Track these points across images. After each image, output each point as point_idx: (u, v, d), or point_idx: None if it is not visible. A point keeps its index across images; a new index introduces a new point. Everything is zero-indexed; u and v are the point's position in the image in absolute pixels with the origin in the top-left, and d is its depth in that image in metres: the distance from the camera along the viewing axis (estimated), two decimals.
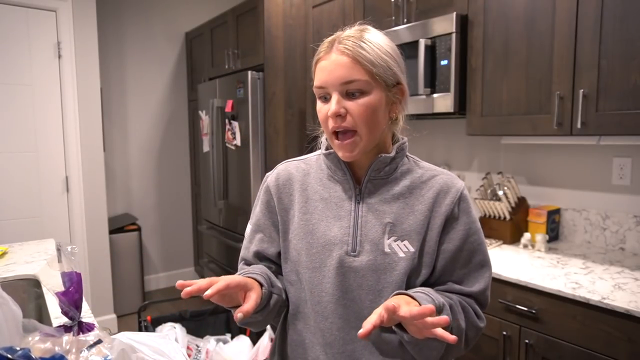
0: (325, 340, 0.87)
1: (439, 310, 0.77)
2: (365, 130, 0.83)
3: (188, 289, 0.71)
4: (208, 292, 0.71)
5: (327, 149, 0.92)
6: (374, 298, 0.85)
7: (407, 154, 0.93)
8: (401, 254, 0.84)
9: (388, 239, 0.85)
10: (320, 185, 0.92)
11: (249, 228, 0.99)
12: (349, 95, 0.82)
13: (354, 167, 0.91)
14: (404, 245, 0.85)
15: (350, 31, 0.85)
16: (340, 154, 0.86)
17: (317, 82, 0.85)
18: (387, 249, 0.85)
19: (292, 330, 0.93)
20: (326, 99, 0.85)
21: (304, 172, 0.95)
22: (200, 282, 0.72)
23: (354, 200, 0.89)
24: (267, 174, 0.99)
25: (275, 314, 0.93)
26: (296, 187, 0.93)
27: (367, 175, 0.88)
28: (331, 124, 0.83)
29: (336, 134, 0.84)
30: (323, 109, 0.85)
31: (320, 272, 0.87)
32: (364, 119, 0.82)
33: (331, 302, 0.86)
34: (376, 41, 0.84)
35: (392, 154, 0.87)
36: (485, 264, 0.89)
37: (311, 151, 1.02)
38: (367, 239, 0.86)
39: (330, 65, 0.82)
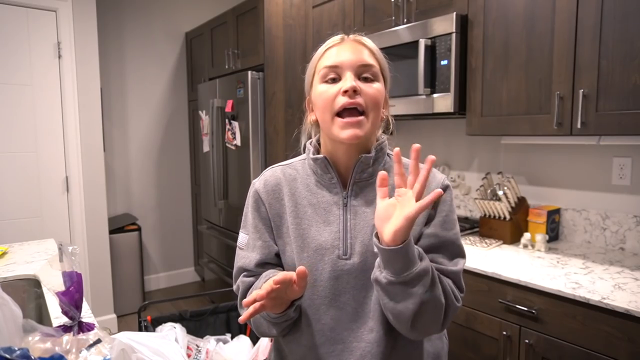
0: (313, 342, 0.89)
1: (420, 257, 0.77)
2: (372, 116, 0.86)
3: (251, 310, 0.74)
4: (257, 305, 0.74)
5: (314, 153, 0.94)
6: (366, 294, 0.87)
7: (388, 152, 0.95)
8: None
9: (376, 238, 0.86)
10: (308, 191, 0.93)
11: (243, 237, 0.97)
12: (361, 79, 0.86)
13: (340, 170, 0.92)
14: None
15: (353, 35, 0.92)
16: (344, 135, 0.84)
17: (329, 62, 0.87)
18: (376, 249, 0.86)
19: (288, 331, 0.95)
20: (334, 80, 0.86)
21: (291, 177, 0.96)
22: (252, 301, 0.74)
23: (341, 205, 0.90)
24: (254, 180, 0.99)
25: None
26: (285, 191, 0.94)
27: (352, 178, 0.90)
28: (342, 100, 0.84)
29: (340, 114, 0.85)
30: (330, 89, 0.86)
31: (311, 275, 0.88)
32: (374, 103, 0.85)
33: (323, 304, 0.88)
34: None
35: (372, 154, 0.89)
36: (459, 254, 0.89)
37: (296, 155, 1.03)
38: (357, 241, 0.87)
39: (347, 48, 0.87)
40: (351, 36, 0.90)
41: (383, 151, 0.93)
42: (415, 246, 0.78)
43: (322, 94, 0.87)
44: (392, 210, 0.75)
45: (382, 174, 0.76)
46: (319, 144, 0.97)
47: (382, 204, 0.76)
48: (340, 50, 0.87)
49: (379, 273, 0.79)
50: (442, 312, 0.81)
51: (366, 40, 0.90)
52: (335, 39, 0.90)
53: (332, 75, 0.86)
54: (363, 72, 0.85)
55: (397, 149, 0.76)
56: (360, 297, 0.87)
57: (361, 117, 0.84)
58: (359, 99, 0.83)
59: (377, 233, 0.78)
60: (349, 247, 0.87)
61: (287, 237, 0.92)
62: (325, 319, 0.88)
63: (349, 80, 0.83)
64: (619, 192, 1.79)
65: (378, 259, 0.80)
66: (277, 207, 0.94)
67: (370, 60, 0.86)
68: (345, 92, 0.83)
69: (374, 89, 0.85)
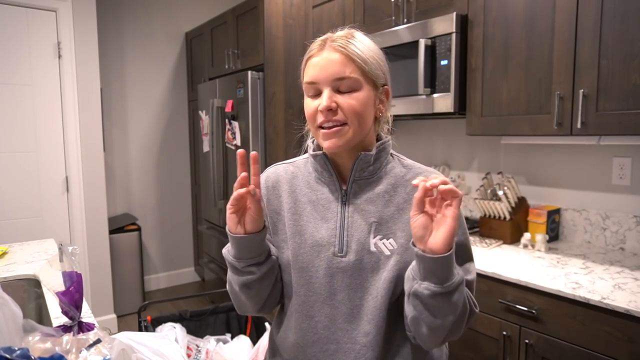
0: (306, 340, 0.88)
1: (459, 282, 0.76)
2: (355, 124, 0.84)
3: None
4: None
5: (314, 151, 0.94)
6: (363, 295, 0.86)
7: (392, 152, 0.94)
8: (387, 252, 0.86)
9: (374, 238, 0.87)
10: (308, 188, 0.93)
11: None
12: (340, 90, 0.84)
13: (339, 169, 0.92)
14: (389, 243, 0.86)
15: (341, 32, 0.88)
16: (326, 145, 0.86)
17: (308, 78, 0.87)
18: (372, 248, 0.86)
19: (281, 328, 0.95)
20: (316, 94, 0.86)
21: (292, 174, 0.97)
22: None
23: (340, 202, 0.90)
24: None
25: (269, 287, 0.90)
26: (284, 188, 0.95)
27: (351, 175, 0.89)
28: (320, 118, 0.84)
29: (322, 126, 0.86)
30: (312, 104, 0.86)
31: (307, 272, 0.88)
32: (354, 114, 0.84)
33: (318, 302, 0.88)
34: (367, 42, 0.87)
35: (373, 152, 0.89)
36: (471, 258, 0.89)
37: (299, 154, 1.03)
38: (353, 239, 0.87)
39: (322, 61, 0.84)
40: (337, 34, 0.87)
41: (386, 150, 0.92)
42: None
43: (307, 109, 0.88)
44: (428, 220, 0.74)
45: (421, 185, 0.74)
46: None
47: (419, 218, 0.74)
48: (317, 63, 0.85)
49: (418, 285, 0.76)
50: (466, 318, 0.81)
51: (350, 41, 0.85)
52: (315, 46, 0.88)
53: (312, 91, 0.87)
54: (340, 85, 0.84)
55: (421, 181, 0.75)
56: (356, 298, 0.86)
57: (339, 128, 0.84)
58: (335, 117, 0.83)
59: (413, 242, 0.76)
60: (345, 244, 0.87)
61: (283, 233, 0.93)
62: (319, 317, 0.88)
63: (324, 99, 0.83)
64: (619, 192, 1.79)
65: (411, 272, 0.78)
66: (276, 203, 0.95)
67: (346, 71, 0.83)
68: (322, 111, 0.84)
69: (351, 100, 0.83)
